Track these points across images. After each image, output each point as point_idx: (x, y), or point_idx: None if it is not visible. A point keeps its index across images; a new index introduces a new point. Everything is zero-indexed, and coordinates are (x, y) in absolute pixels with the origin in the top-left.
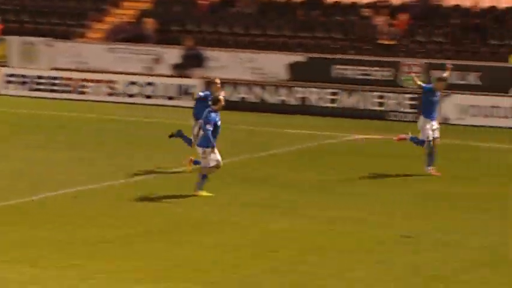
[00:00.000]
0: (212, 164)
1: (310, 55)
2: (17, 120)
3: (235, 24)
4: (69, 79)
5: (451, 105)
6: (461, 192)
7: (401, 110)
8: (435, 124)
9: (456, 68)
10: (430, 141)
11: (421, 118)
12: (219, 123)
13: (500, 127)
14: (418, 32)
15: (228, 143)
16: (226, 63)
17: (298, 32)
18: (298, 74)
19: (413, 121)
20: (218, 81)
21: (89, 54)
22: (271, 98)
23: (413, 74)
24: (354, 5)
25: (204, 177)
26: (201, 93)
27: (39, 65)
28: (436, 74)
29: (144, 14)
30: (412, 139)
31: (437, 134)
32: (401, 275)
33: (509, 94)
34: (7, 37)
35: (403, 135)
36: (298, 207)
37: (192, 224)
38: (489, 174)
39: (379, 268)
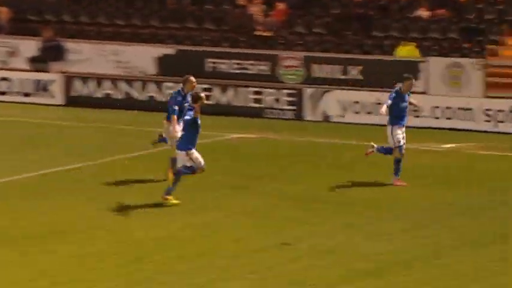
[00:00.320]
0: (202, 163)
1: (181, 48)
2: None
3: (98, 13)
4: None
5: (332, 102)
6: (342, 196)
7: (280, 107)
8: (403, 130)
9: (337, 61)
10: (401, 146)
11: (389, 126)
12: (199, 121)
13: (384, 125)
14: (297, 23)
15: (91, 144)
16: (89, 56)
17: (167, 22)
18: (168, 68)
19: (291, 119)
20: (193, 79)
21: None
22: (138, 94)
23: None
24: None
25: (177, 180)
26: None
27: None
28: (315, 68)
29: None
30: (379, 150)
31: (404, 141)
32: (277, 285)
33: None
34: None
35: (369, 150)
36: (166, 212)
37: (55, 232)
38: (373, 176)
39: (253, 279)
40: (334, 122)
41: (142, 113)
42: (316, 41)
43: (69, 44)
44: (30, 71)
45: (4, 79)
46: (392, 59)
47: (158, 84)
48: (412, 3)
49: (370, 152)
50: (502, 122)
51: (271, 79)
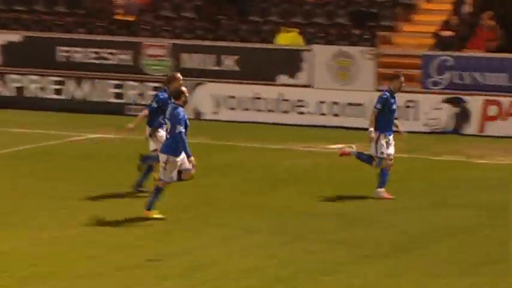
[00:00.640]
0: (174, 177)
1: (28, 34)
2: None
3: None
4: None
5: (204, 97)
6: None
7: (144, 102)
8: (391, 138)
9: (210, 50)
10: (382, 158)
11: (376, 132)
12: (187, 121)
13: (264, 123)
14: (164, 6)
15: None
16: None
17: (12, 5)
18: (13, 57)
19: None
20: (180, 76)
21: None
22: None
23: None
24: None
25: (158, 192)
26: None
27: None
28: (184, 57)
29: None
30: (358, 156)
31: (392, 150)
32: None
33: (275, 83)
34: None
35: (347, 150)
36: (18, 224)
37: None
38: (251, 181)
39: None
40: (206, 120)
41: None
42: (185, 27)
43: None
44: None
45: None
46: (272, 47)
47: (1, 76)
48: None
49: (347, 153)
50: (396, 119)
51: (134, 70)
